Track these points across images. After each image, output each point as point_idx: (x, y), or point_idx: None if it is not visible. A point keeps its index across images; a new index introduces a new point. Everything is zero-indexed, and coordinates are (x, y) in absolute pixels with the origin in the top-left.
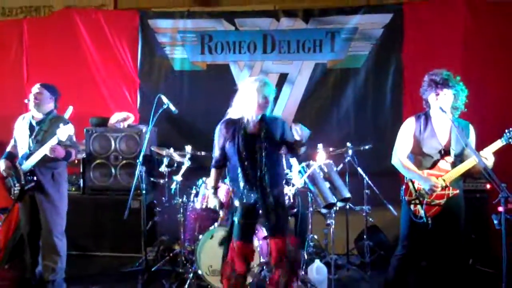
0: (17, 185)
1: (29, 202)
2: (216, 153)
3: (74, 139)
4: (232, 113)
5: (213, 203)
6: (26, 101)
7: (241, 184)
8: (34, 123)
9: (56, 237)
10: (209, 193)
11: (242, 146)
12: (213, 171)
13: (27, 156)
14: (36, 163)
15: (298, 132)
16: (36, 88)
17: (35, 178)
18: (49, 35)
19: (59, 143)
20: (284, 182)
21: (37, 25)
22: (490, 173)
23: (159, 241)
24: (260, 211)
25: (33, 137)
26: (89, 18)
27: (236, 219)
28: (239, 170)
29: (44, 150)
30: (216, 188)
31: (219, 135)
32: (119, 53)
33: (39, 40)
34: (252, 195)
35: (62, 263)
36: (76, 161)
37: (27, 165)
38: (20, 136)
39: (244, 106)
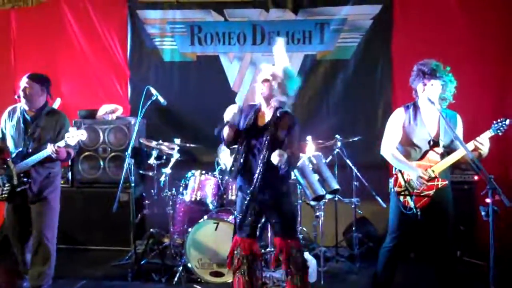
0: (7, 185)
1: (21, 202)
2: None
3: None
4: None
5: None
6: (16, 97)
7: (240, 174)
8: (28, 118)
9: (48, 242)
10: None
11: (248, 136)
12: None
13: (23, 155)
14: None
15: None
16: (24, 82)
17: (29, 180)
18: (37, 25)
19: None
20: (286, 185)
21: (25, 15)
22: (478, 165)
23: (148, 234)
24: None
25: (29, 134)
26: (78, 8)
27: (235, 212)
28: (242, 159)
29: (48, 151)
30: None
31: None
32: (108, 44)
33: (27, 31)
34: (247, 189)
35: (51, 269)
36: None
37: (24, 164)
38: (12, 132)
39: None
